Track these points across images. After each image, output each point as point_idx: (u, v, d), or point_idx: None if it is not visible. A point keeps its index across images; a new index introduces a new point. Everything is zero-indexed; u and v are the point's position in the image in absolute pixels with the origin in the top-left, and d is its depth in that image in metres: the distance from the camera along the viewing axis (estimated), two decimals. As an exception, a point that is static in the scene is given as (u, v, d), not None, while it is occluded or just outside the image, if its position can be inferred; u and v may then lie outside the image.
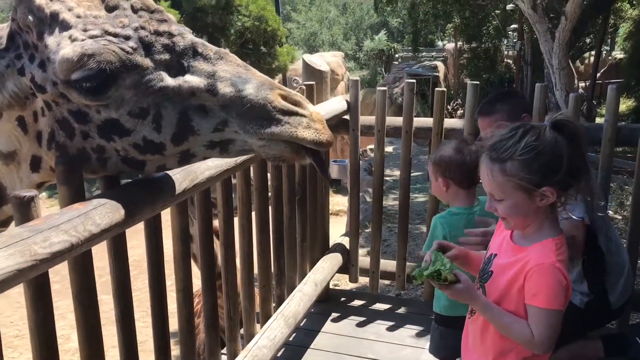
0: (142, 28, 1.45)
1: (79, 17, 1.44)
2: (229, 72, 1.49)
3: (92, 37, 1.41)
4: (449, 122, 3.50)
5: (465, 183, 2.48)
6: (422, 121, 3.65)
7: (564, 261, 1.63)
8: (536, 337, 1.62)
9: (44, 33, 1.45)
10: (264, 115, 1.46)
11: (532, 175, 1.58)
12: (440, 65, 24.54)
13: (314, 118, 1.49)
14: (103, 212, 1.49)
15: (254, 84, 1.48)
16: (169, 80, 1.46)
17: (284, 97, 1.49)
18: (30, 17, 1.46)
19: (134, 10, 1.48)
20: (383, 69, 31.04)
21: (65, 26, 1.44)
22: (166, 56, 1.47)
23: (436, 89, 3.53)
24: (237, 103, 1.46)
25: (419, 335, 3.41)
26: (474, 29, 20.47)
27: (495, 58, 21.96)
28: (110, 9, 1.48)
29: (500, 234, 1.86)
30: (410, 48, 28.37)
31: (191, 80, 1.47)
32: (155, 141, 1.49)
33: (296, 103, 1.50)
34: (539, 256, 1.63)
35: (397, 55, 31.40)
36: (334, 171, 10.92)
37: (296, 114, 1.48)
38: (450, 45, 26.49)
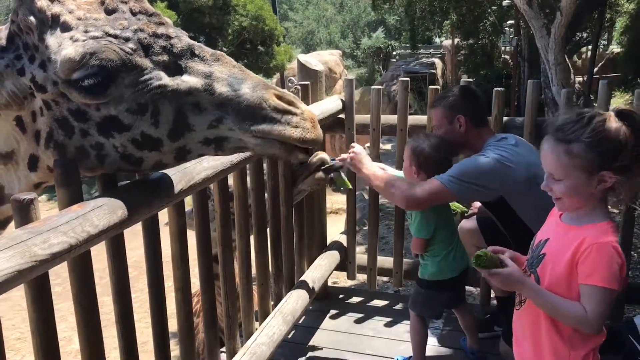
0: (141, 30, 1.49)
1: (79, 19, 1.48)
2: (225, 72, 1.54)
3: (93, 37, 1.45)
4: (443, 120, 3.53)
5: (433, 175, 2.73)
6: (417, 119, 3.68)
7: (619, 245, 1.67)
8: (589, 314, 1.64)
9: (45, 34, 1.49)
10: (258, 113, 1.51)
11: (596, 157, 1.64)
12: (437, 62, 24.57)
13: (305, 116, 1.54)
14: (101, 213, 1.52)
15: (250, 84, 1.53)
16: (167, 80, 1.50)
17: (279, 97, 1.54)
18: (31, 19, 1.49)
19: (133, 14, 1.52)
20: (381, 67, 31.04)
21: (66, 28, 1.47)
22: (164, 57, 1.51)
23: (430, 87, 3.56)
24: (234, 101, 1.51)
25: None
26: (471, 25, 20.50)
27: (493, 54, 21.99)
28: (109, 11, 1.52)
29: (549, 220, 1.91)
30: (408, 45, 28.39)
31: (189, 80, 1.51)
32: (153, 136, 1.53)
33: (290, 102, 1.55)
34: (597, 235, 1.67)
35: (394, 53, 31.42)
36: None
37: (289, 112, 1.53)
38: (447, 42, 26.52)
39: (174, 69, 1.52)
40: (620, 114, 1.67)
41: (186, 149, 1.58)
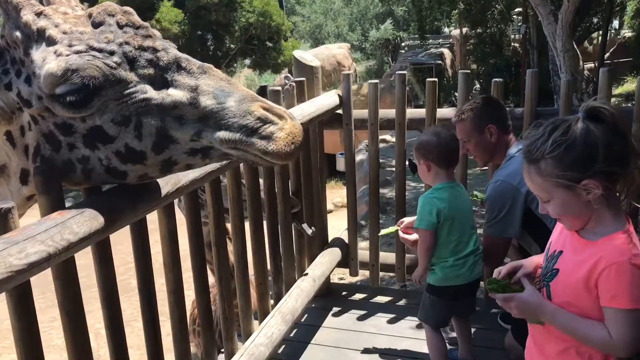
0: (127, 43, 1.48)
1: (65, 33, 1.48)
2: (211, 85, 1.51)
3: (76, 52, 1.44)
4: (442, 112, 3.49)
5: (443, 163, 2.67)
6: (415, 112, 3.65)
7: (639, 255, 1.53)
8: (615, 338, 1.53)
9: (31, 49, 1.48)
10: (241, 124, 1.47)
11: (567, 171, 1.52)
12: (446, 52, 24.38)
13: (281, 126, 1.48)
14: (81, 220, 1.51)
15: (236, 97, 1.50)
16: (153, 93, 1.49)
17: (266, 109, 1.50)
18: (17, 34, 1.49)
19: (120, 27, 1.51)
20: (390, 59, 30.85)
21: (51, 42, 1.47)
22: (150, 70, 1.49)
23: (427, 79, 3.51)
24: (219, 114, 1.49)
25: (419, 327, 3.39)
26: (479, 14, 20.30)
27: (502, 43, 21.76)
28: (96, 24, 1.51)
29: (561, 228, 1.77)
30: (416, 36, 28.20)
31: (174, 93, 1.50)
32: (136, 149, 1.52)
33: (279, 115, 1.50)
34: (613, 253, 1.53)
35: (403, 44, 31.22)
36: (340, 164, 10.91)
37: (272, 122, 1.48)
38: (456, 32, 26.29)
39: (160, 82, 1.50)
40: (588, 114, 1.53)
41: (172, 161, 1.57)
